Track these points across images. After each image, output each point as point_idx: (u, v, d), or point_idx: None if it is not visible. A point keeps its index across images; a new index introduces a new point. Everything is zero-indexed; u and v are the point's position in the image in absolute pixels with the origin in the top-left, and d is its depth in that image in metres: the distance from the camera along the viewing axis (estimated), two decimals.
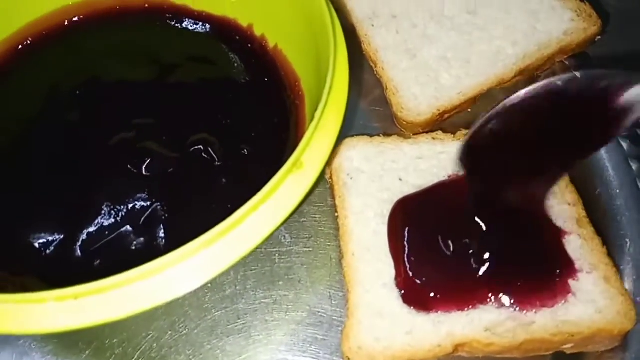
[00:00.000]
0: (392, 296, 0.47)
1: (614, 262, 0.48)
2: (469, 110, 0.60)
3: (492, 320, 0.45)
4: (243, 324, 0.50)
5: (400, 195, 0.52)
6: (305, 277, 0.52)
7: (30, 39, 0.58)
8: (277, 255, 0.53)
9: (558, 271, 0.47)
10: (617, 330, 0.45)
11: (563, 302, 0.46)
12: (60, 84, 0.56)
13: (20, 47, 0.57)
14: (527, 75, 0.59)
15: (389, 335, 0.46)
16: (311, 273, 0.53)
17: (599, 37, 0.58)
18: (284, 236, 0.54)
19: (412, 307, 0.47)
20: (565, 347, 0.46)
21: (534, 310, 0.45)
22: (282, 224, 0.41)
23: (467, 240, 0.47)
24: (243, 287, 0.52)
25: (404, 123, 0.58)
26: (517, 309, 0.46)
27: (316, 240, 0.54)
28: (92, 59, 0.58)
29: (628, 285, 0.49)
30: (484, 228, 0.47)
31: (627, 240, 0.51)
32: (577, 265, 0.47)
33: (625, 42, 0.62)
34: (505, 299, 0.46)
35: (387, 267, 0.49)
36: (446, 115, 0.58)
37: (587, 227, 0.49)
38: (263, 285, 0.52)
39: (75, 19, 0.59)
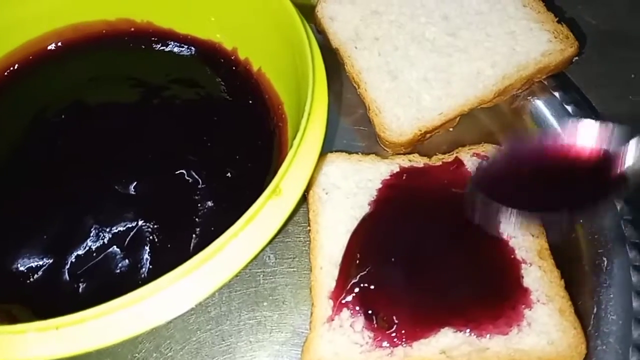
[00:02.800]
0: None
1: (570, 295, 0.49)
2: (451, 129, 0.61)
3: (448, 343, 0.47)
4: (227, 345, 0.51)
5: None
6: (289, 298, 0.53)
7: (16, 64, 0.58)
8: (261, 275, 0.54)
9: (515, 300, 0.48)
10: None
11: (517, 330, 0.47)
12: (47, 107, 0.56)
13: (6, 72, 0.58)
14: (507, 95, 0.61)
15: (347, 350, 0.47)
16: (295, 294, 0.53)
17: (577, 58, 0.60)
18: (269, 256, 0.55)
19: (373, 324, 0.48)
20: None
21: (489, 337, 0.47)
22: (263, 249, 0.42)
23: (426, 263, 0.49)
24: (228, 309, 0.52)
25: (387, 143, 0.59)
26: (473, 334, 0.47)
27: (300, 260, 0.55)
28: (78, 82, 0.58)
29: (605, 303, 0.51)
30: (444, 252, 0.49)
31: (605, 258, 0.53)
32: (534, 296, 0.49)
33: (603, 62, 0.63)
34: (462, 324, 0.47)
35: None
36: (428, 135, 0.59)
37: (548, 259, 0.51)
38: (247, 306, 0.53)
39: (61, 43, 0.60)
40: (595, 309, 0.50)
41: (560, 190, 0.45)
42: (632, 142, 0.43)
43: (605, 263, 0.52)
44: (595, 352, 0.48)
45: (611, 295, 0.51)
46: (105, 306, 0.36)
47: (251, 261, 0.41)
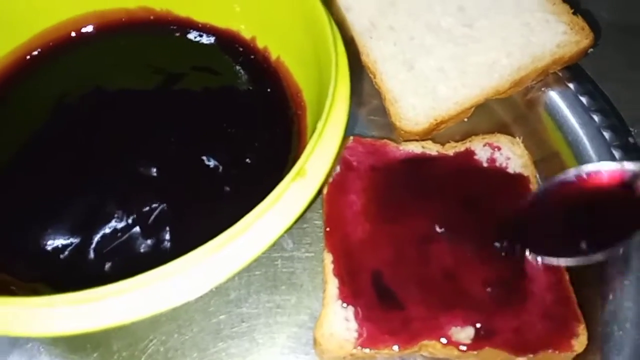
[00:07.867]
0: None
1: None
2: (465, 119, 0.61)
3: (457, 326, 0.47)
4: (247, 327, 0.52)
5: None
6: (307, 282, 0.54)
7: (38, 50, 0.59)
8: (279, 260, 0.55)
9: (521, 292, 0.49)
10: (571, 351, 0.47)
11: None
12: (68, 92, 0.57)
13: (28, 57, 0.59)
14: (522, 86, 0.61)
15: (358, 328, 0.47)
16: (312, 278, 0.54)
17: (591, 50, 0.60)
18: (287, 242, 0.56)
19: (385, 303, 0.48)
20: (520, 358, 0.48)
21: (496, 324, 0.47)
22: (287, 231, 0.42)
23: (438, 248, 0.50)
24: (247, 292, 0.53)
25: (402, 132, 0.59)
26: (480, 320, 0.47)
27: (317, 245, 0.56)
28: (98, 69, 0.59)
29: (619, 290, 0.51)
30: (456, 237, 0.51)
31: None
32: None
33: (617, 54, 0.64)
34: (471, 309, 0.48)
35: None
36: (443, 125, 0.60)
37: None
38: (266, 289, 0.53)
39: (83, 30, 0.61)
40: (610, 296, 0.51)
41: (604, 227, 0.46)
42: None
43: (621, 251, 0.53)
44: (613, 337, 0.49)
45: (626, 282, 0.52)
46: (132, 281, 0.37)
47: (274, 243, 0.42)
